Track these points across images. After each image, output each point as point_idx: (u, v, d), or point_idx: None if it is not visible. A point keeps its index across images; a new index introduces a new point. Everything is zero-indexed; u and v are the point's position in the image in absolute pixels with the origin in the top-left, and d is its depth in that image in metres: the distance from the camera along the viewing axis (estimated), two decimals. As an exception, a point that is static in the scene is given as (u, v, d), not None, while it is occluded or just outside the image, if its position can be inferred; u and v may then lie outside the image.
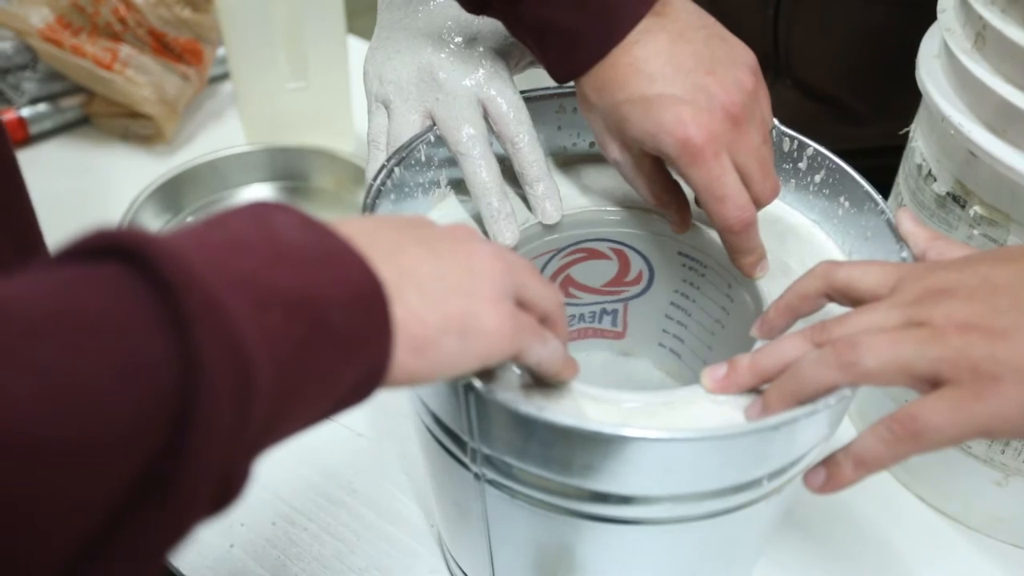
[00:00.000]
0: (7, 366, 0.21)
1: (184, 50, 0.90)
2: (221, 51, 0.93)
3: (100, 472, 0.22)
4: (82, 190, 0.85)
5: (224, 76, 0.96)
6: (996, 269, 0.36)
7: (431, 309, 0.31)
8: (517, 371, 0.40)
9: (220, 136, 0.91)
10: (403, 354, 0.30)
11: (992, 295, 0.35)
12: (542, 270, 0.52)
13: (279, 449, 0.28)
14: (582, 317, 0.55)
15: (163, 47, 0.89)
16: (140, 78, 0.87)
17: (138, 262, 0.24)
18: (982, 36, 0.46)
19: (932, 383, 0.35)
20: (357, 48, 0.94)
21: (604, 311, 0.55)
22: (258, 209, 0.29)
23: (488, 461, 0.40)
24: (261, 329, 0.25)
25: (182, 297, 0.23)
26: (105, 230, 0.25)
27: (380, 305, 0.29)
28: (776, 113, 0.51)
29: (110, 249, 0.24)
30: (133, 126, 0.90)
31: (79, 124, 0.92)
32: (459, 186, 0.51)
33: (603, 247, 0.52)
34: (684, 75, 0.43)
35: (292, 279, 0.27)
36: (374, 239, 0.31)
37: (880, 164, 0.61)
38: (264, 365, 0.25)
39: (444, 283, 0.32)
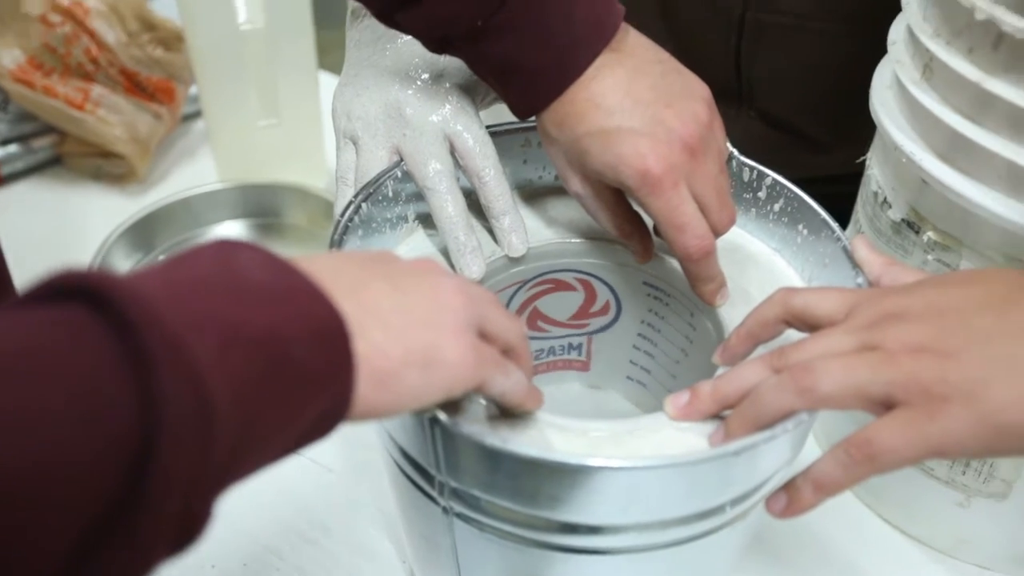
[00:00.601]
0: None
1: (156, 89, 0.90)
2: (194, 89, 0.94)
3: (61, 510, 0.22)
4: (55, 230, 0.85)
5: (197, 114, 0.97)
6: (944, 293, 0.37)
7: (394, 342, 0.31)
8: (483, 403, 0.40)
9: (193, 174, 0.92)
10: (366, 387, 0.30)
11: (940, 318, 0.36)
12: (509, 302, 0.52)
13: (251, 488, 0.28)
14: (551, 350, 0.56)
15: (135, 86, 0.89)
16: (112, 117, 0.87)
17: (101, 303, 0.24)
18: (929, 68, 0.47)
19: (886, 405, 0.36)
20: (328, 84, 0.95)
21: (571, 345, 0.55)
22: (221, 247, 0.29)
23: (456, 494, 0.40)
24: (223, 366, 0.25)
25: (143, 336, 0.24)
26: (68, 272, 0.25)
27: (342, 340, 0.30)
28: (740, 142, 0.52)
29: (74, 290, 0.25)
30: (105, 165, 0.90)
31: (51, 164, 0.92)
32: (427, 220, 0.52)
33: (569, 278, 0.52)
34: (642, 108, 0.44)
35: (254, 316, 0.27)
36: (337, 275, 0.31)
37: (842, 191, 0.62)
38: (226, 403, 0.25)
39: (407, 317, 0.32)
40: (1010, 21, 0.42)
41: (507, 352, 0.37)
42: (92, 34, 0.88)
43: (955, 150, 0.46)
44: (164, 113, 0.91)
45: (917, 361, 0.35)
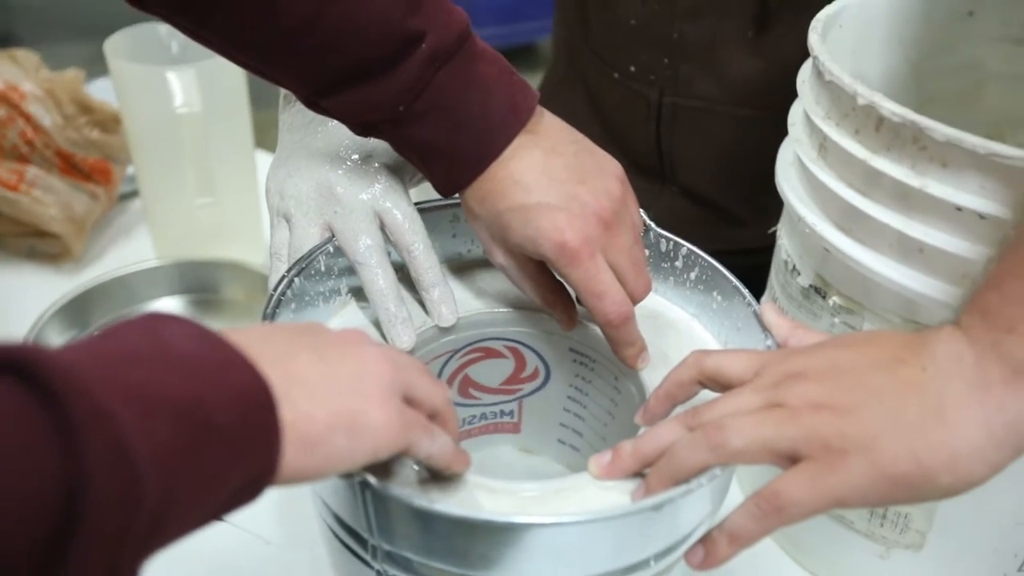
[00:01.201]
0: None
1: (93, 170, 0.91)
2: (131, 170, 0.95)
3: None
4: (-11, 311, 0.85)
5: (134, 193, 0.98)
6: (841, 353, 0.40)
7: (319, 409, 0.33)
8: (415, 467, 0.42)
9: (130, 252, 0.92)
10: (293, 452, 0.32)
11: (838, 376, 0.39)
12: (440, 371, 0.54)
13: (187, 562, 0.29)
14: (483, 416, 0.57)
15: (71, 167, 0.90)
16: (47, 198, 0.88)
17: (27, 374, 0.25)
18: (824, 147, 0.51)
19: (792, 459, 0.38)
20: (265, 163, 0.96)
21: (503, 411, 0.57)
22: (150, 321, 0.31)
23: (389, 557, 0.41)
24: (148, 436, 0.27)
25: (69, 405, 0.25)
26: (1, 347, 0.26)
27: (268, 407, 0.31)
28: (664, 217, 0.55)
29: (2, 364, 0.26)
30: (39, 245, 0.90)
31: (-17, 244, 0.92)
32: (359, 294, 0.53)
33: (498, 346, 0.54)
34: (558, 185, 0.47)
35: (180, 386, 0.29)
36: (265, 346, 0.33)
37: (760, 263, 0.66)
38: (150, 469, 0.26)
39: (333, 385, 0.34)
40: (887, 106, 0.46)
41: (433, 416, 0.39)
42: (28, 118, 0.89)
43: (851, 221, 0.50)
44: (101, 193, 0.92)
45: (817, 417, 0.38)
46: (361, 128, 0.49)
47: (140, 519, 0.26)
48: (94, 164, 0.91)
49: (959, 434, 0.36)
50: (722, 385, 0.43)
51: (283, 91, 0.59)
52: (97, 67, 1.04)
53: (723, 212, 0.81)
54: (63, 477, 0.24)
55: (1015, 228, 0.39)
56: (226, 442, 0.29)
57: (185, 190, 0.82)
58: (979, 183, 0.44)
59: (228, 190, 0.84)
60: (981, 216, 0.44)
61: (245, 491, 0.31)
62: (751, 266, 0.62)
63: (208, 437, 0.29)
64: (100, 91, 0.99)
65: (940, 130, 0.44)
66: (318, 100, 0.48)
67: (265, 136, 0.95)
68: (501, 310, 0.54)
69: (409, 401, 0.37)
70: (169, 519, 0.28)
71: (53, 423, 0.25)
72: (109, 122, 0.93)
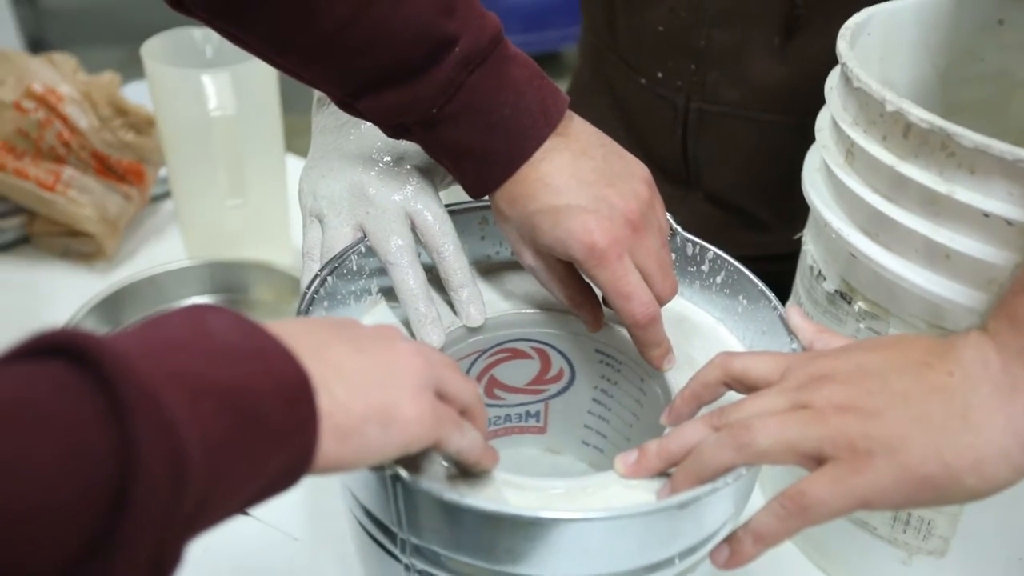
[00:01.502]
0: None
1: (127, 171, 0.93)
2: (163, 171, 0.97)
3: (41, 547, 0.24)
4: (22, 308, 0.87)
5: (166, 195, 1.00)
6: (868, 356, 0.41)
7: (355, 399, 0.34)
8: (444, 464, 0.43)
9: (161, 252, 0.94)
10: (329, 441, 0.33)
11: (864, 379, 0.39)
12: (468, 370, 0.55)
13: (215, 559, 0.30)
14: (508, 417, 0.58)
15: (106, 169, 0.92)
16: (82, 198, 0.89)
17: (80, 359, 0.26)
18: (851, 152, 0.52)
19: (817, 460, 0.38)
20: (296, 166, 0.98)
21: (528, 412, 0.58)
22: (193, 311, 0.32)
23: (417, 551, 0.42)
24: (194, 418, 0.28)
25: (120, 388, 0.26)
26: (50, 331, 0.27)
27: (306, 395, 0.32)
28: (690, 223, 0.56)
29: (56, 348, 0.27)
30: (74, 244, 0.92)
31: (19, 243, 0.94)
32: (389, 294, 0.54)
33: (525, 347, 0.55)
34: (587, 188, 0.47)
35: (224, 372, 0.30)
36: (302, 337, 0.34)
37: (785, 268, 0.66)
38: (197, 451, 0.27)
39: (368, 376, 0.35)
40: (916, 113, 0.46)
41: (464, 413, 0.40)
42: (65, 119, 0.90)
43: (877, 227, 0.50)
44: (134, 194, 0.93)
45: (843, 419, 0.38)
46: (394, 130, 0.50)
47: (187, 498, 0.27)
48: (128, 166, 0.93)
49: (985, 437, 0.37)
50: (748, 386, 0.43)
51: (316, 94, 0.60)
52: (129, 71, 1.06)
53: (748, 217, 0.81)
54: (115, 455, 0.25)
55: (1043, 234, 0.39)
56: (267, 428, 0.30)
57: (216, 191, 0.83)
58: (1007, 189, 0.44)
59: (258, 192, 0.85)
60: (1009, 222, 0.44)
61: (283, 478, 0.32)
62: (777, 272, 0.63)
63: (250, 422, 0.29)
64: (134, 94, 1.01)
65: (968, 136, 0.44)
66: (352, 102, 0.49)
67: (295, 140, 0.96)
68: (528, 311, 0.55)
69: (441, 396, 0.38)
70: (212, 501, 0.29)
71: (105, 404, 0.26)
72: (143, 124, 0.94)
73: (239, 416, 0.29)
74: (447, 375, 0.39)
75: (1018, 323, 0.37)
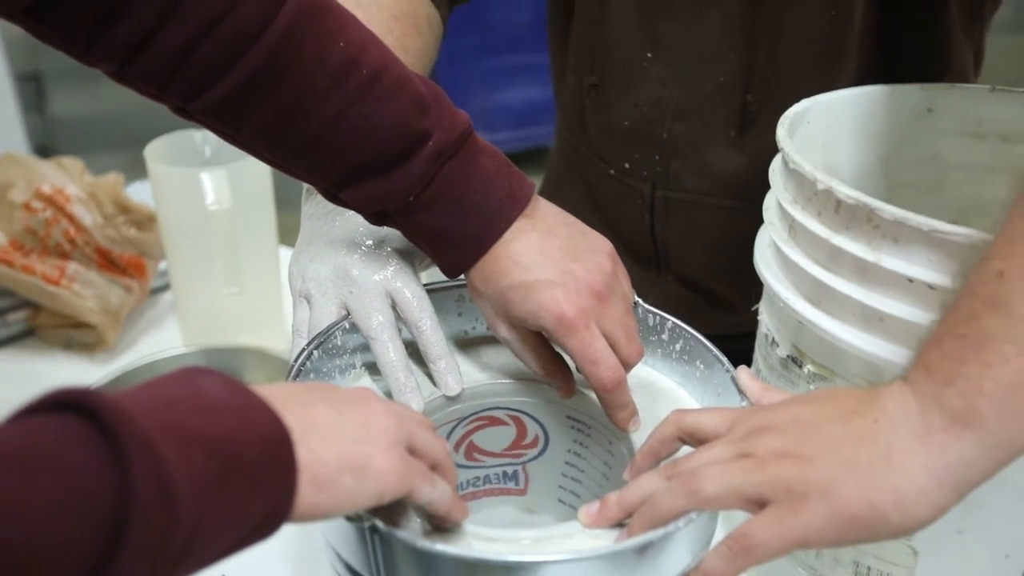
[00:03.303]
0: None
1: (128, 265, 0.98)
2: (163, 265, 1.02)
3: (48, 574, 0.27)
4: (26, 398, 0.90)
5: (164, 287, 1.04)
6: (803, 408, 0.45)
7: (331, 452, 0.38)
8: (418, 520, 0.46)
9: (159, 341, 0.98)
10: (306, 489, 0.36)
11: (800, 429, 0.43)
12: (447, 437, 0.58)
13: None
14: (487, 479, 0.61)
15: (109, 263, 0.97)
16: (86, 291, 0.94)
17: (84, 411, 0.30)
18: (793, 228, 0.57)
19: (759, 504, 0.42)
20: (288, 258, 1.04)
21: (506, 473, 0.61)
22: (185, 372, 0.36)
23: (396, 602, 0.45)
24: (185, 464, 0.31)
25: (119, 436, 0.30)
26: (58, 389, 0.31)
27: (286, 447, 0.36)
28: (661, 304, 0.60)
29: (63, 403, 0.31)
30: (76, 335, 0.96)
31: (23, 336, 0.98)
32: (372, 368, 0.58)
33: (501, 414, 0.59)
34: (554, 263, 0.52)
35: (212, 426, 0.33)
36: (285, 397, 0.38)
37: (751, 346, 0.70)
38: (186, 494, 0.31)
39: (343, 432, 0.39)
40: (843, 190, 0.51)
41: (434, 468, 0.43)
42: (71, 218, 0.96)
43: (819, 295, 0.55)
44: (134, 286, 0.98)
45: (781, 465, 0.42)
46: (375, 217, 0.55)
47: (176, 537, 0.30)
48: (130, 260, 0.98)
49: (906, 477, 0.40)
50: (699, 440, 0.47)
51: (305, 184, 0.65)
52: (132, 173, 1.13)
53: (715, 298, 0.85)
54: (114, 494, 0.29)
55: (956, 293, 0.43)
56: (250, 476, 0.34)
57: (213, 280, 0.88)
58: (926, 257, 0.49)
59: (253, 281, 0.90)
60: (930, 286, 0.49)
61: (264, 524, 0.36)
62: (746, 349, 0.67)
63: (235, 470, 0.33)
64: (137, 193, 1.07)
65: (888, 210, 0.49)
66: (336, 192, 0.54)
67: (288, 236, 1.02)
68: (503, 381, 0.59)
69: (412, 451, 0.42)
70: (198, 543, 0.32)
71: (106, 450, 0.30)
72: (145, 221, 1.00)
73: (224, 464, 0.33)
74: (418, 432, 0.43)
75: (933, 373, 0.42)
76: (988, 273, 0.41)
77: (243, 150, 0.54)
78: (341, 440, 0.38)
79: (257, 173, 0.87)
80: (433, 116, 0.52)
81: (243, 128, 0.52)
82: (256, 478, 0.34)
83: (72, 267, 0.95)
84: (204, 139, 0.92)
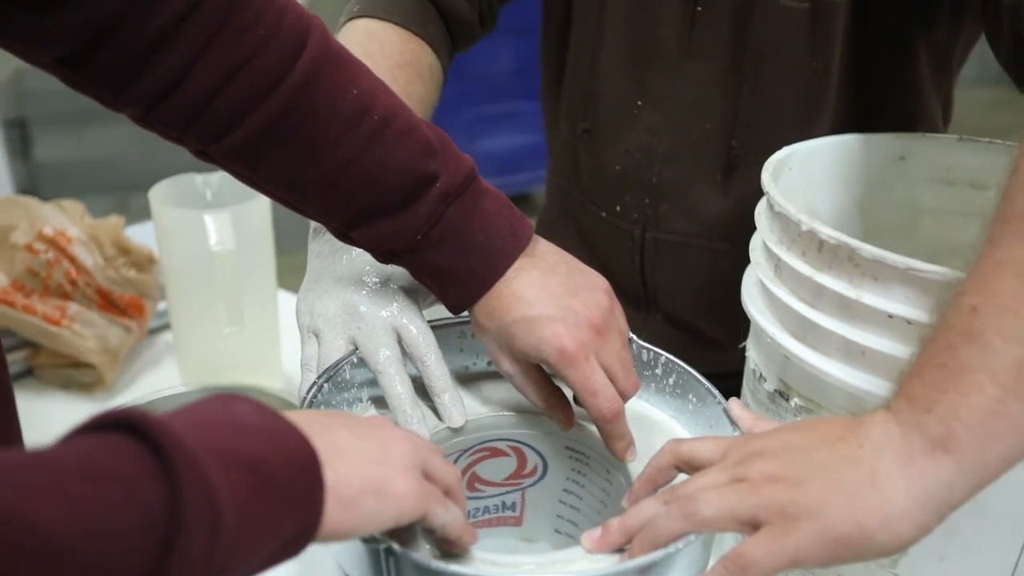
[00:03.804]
0: (54, 498, 0.29)
1: (128, 305, 1.00)
2: (161, 305, 1.04)
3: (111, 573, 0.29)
4: (25, 438, 0.91)
5: (161, 328, 1.06)
6: (792, 435, 0.47)
7: (354, 474, 0.40)
8: (428, 547, 0.48)
9: (156, 381, 1.00)
10: (332, 510, 0.38)
11: (790, 454, 0.46)
12: (451, 468, 0.60)
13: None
14: (487, 509, 0.63)
15: (109, 303, 0.99)
16: (86, 331, 0.96)
17: (135, 430, 0.33)
18: (779, 267, 0.60)
19: (753, 525, 0.44)
20: (285, 300, 1.06)
21: (504, 503, 0.63)
22: (220, 398, 0.38)
23: (407, 624, 0.47)
24: (227, 482, 0.34)
25: (169, 453, 0.32)
26: (108, 410, 0.34)
27: (315, 469, 0.38)
28: (651, 343, 0.62)
29: (114, 423, 0.33)
30: (75, 375, 0.98)
31: (23, 376, 0.99)
32: (379, 402, 0.60)
33: (503, 446, 0.61)
34: (555, 299, 0.55)
35: (248, 446, 0.36)
36: (310, 422, 0.40)
37: (739, 384, 0.73)
38: (228, 508, 0.33)
39: (364, 455, 0.41)
40: (825, 231, 0.55)
41: (446, 493, 0.45)
42: (73, 259, 0.98)
43: (804, 330, 0.58)
44: (134, 326, 1.00)
45: (774, 488, 0.45)
46: (383, 255, 0.58)
47: (219, 549, 0.33)
48: (129, 300, 1.00)
49: (890, 499, 0.43)
50: (695, 467, 0.49)
51: (312, 224, 0.68)
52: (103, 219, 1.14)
53: (703, 337, 0.88)
54: (166, 505, 0.31)
55: (932, 327, 0.47)
56: (283, 495, 0.36)
57: (214, 320, 0.90)
58: (904, 293, 0.52)
59: (253, 320, 0.92)
60: (908, 321, 0.52)
61: (292, 543, 0.38)
62: (731, 387, 0.69)
63: (270, 489, 0.35)
64: (135, 234, 1.09)
65: (868, 249, 0.53)
66: (347, 232, 0.57)
67: (285, 278, 1.04)
68: (505, 414, 0.61)
69: (427, 476, 0.44)
70: (235, 557, 0.34)
71: (157, 465, 0.32)
72: (144, 262, 1.02)
73: (260, 482, 0.35)
74: (432, 458, 0.45)
75: (914, 401, 0.44)
76: (962, 308, 0.44)
77: (258, 191, 0.57)
78: (363, 463, 0.40)
79: (259, 215, 0.89)
80: (439, 160, 0.55)
81: (260, 170, 0.55)
82: (288, 497, 0.36)
83: (73, 307, 0.97)
84: (206, 182, 0.94)
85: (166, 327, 1.05)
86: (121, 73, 0.51)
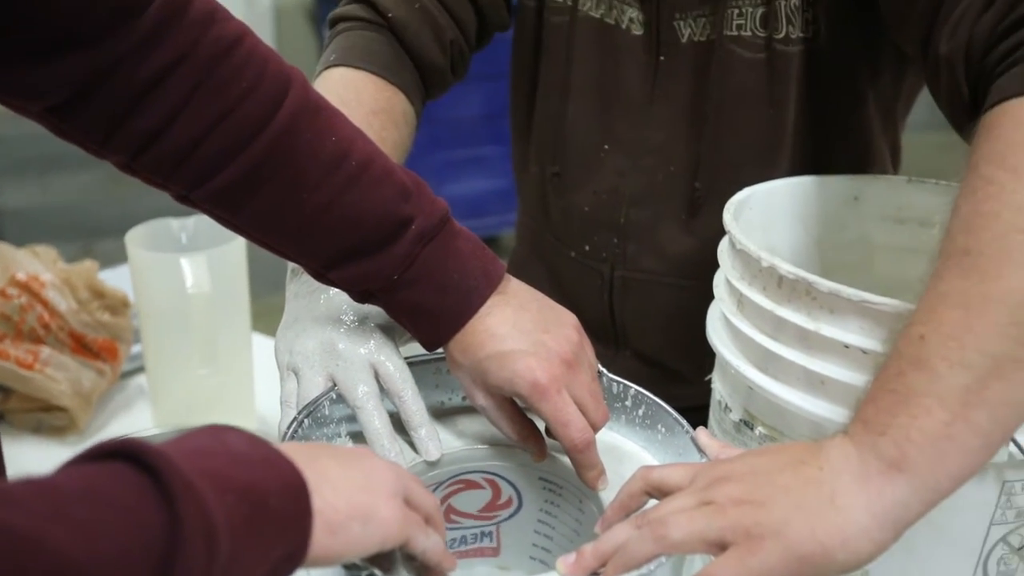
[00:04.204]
0: (61, 522, 0.30)
1: (101, 349, 1.00)
2: (135, 349, 1.04)
3: None
4: (-5, 478, 0.91)
5: (133, 372, 1.07)
6: (757, 460, 0.50)
7: (340, 500, 0.41)
8: (408, 574, 0.49)
9: (128, 424, 1.00)
10: (320, 534, 0.40)
11: (755, 477, 0.48)
12: (428, 500, 0.62)
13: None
14: (463, 540, 0.64)
15: (82, 347, 0.99)
16: (58, 375, 0.96)
17: (133, 458, 0.34)
18: (741, 302, 0.63)
19: (721, 546, 0.46)
20: (259, 342, 1.07)
21: (482, 533, 0.64)
22: (212, 428, 0.40)
23: (388, 652, 0.48)
24: (221, 506, 0.35)
25: (167, 479, 0.34)
26: (107, 441, 0.35)
27: (305, 495, 0.39)
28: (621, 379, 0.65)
29: (113, 452, 0.35)
30: (47, 419, 0.97)
31: (-9, 420, 0.99)
32: (358, 437, 0.62)
33: (477, 478, 0.63)
34: (527, 335, 0.57)
35: (241, 473, 0.37)
36: (298, 452, 0.42)
37: (705, 418, 0.75)
38: (223, 532, 0.35)
39: (350, 483, 0.43)
40: (784, 266, 0.58)
41: (427, 520, 0.47)
42: (46, 304, 0.99)
43: (766, 362, 0.61)
44: (107, 370, 1.00)
45: (740, 510, 0.47)
46: (360, 295, 0.60)
47: (215, 570, 0.34)
48: (103, 344, 1.01)
49: (849, 518, 0.45)
50: (665, 493, 0.51)
51: (290, 265, 0.70)
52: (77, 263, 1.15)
53: (670, 372, 0.91)
54: (165, 528, 0.33)
55: (885, 356, 0.49)
56: (274, 520, 0.38)
57: (189, 361, 0.91)
58: (859, 325, 0.55)
59: (227, 362, 0.93)
60: (864, 351, 0.55)
61: (281, 567, 0.39)
62: (697, 421, 0.71)
63: (262, 514, 0.37)
64: (109, 277, 1.09)
65: (824, 283, 0.56)
66: (325, 272, 0.59)
67: (258, 322, 1.05)
68: (479, 447, 0.63)
69: (408, 503, 0.46)
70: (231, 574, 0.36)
71: (156, 490, 0.33)
72: (118, 306, 1.03)
73: (253, 507, 0.37)
74: (413, 486, 0.47)
75: (869, 425, 0.47)
76: (911, 337, 0.47)
77: (239, 234, 0.59)
78: (349, 490, 0.42)
79: (234, 258, 0.91)
80: (415, 203, 0.58)
81: (241, 214, 0.57)
82: (279, 522, 0.38)
83: (46, 351, 0.97)
84: (181, 227, 0.96)
85: (138, 370, 1.06)
86: (108, 122, 0.53)
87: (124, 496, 0.33)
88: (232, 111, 0.53)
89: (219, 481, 0.36)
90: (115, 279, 1.09)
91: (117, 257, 0.99)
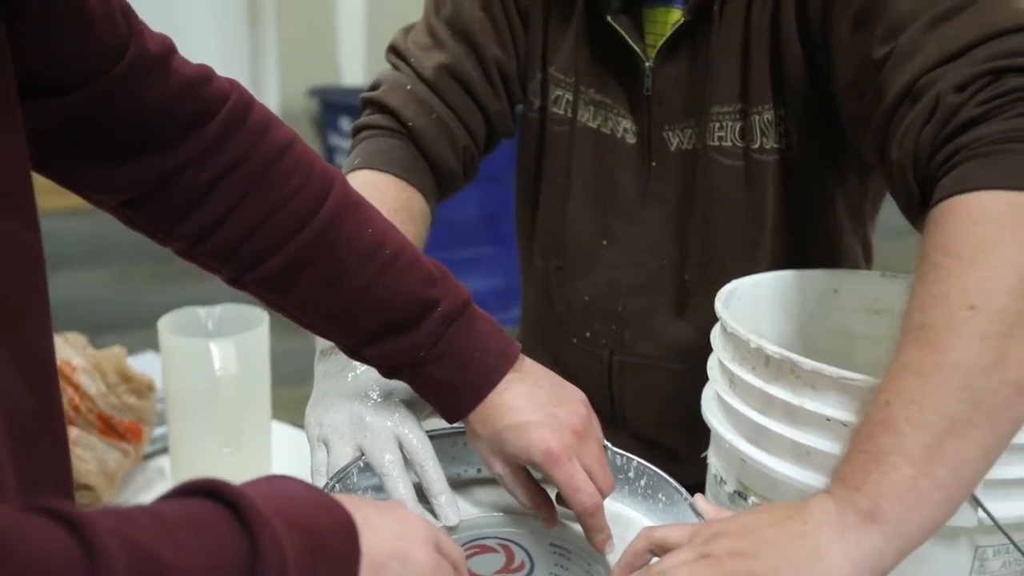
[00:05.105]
0: (169, 540, 0.36)
1: (127, 430, 1.05)
2: (158, 431, 1.10)
3: None
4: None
5: (154, 454, 1.11)
6: (749, 518, 0.56)
7: (382, 543, 0.47)
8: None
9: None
10: (366, 572, 0.45)
11: (747, 533, 0.54)
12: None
13: None
14: (479, 603, 0.69)
15: (109, 428, 1.05)
16: (87, 454, 1.01)
17: (215, 495, 0.40)
18: (733, 382, 0.69)
19: (718, 596, 0.52)
20: (276, 429, 1.12)
21: (497, 596, 0.69)
22: (274, 478, 0.46)
23: None
24: (289, 539, 0.41)
25: (246, 513, 0.39)
26: (194, 480, 0.41)
27: (354, 536, 0.45)
28: None
29: (198, 490, 0.41)
30: (74, 496, 1.02)
31: (19, 498, 1.03)
32: (381, 504, 0.67)
33: (492, 543, 0.68)
34: (541, 408, 0.63)
35: (302, 514, 0.43)
36: (344, 500, 0.47)
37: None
38: (291, 559, 0.40)
39: (389, 529, 0.48)
40: (770, 348, 0.64)
41: (455, 567, 0.52)
42: (77, 387, 1.04)
43: (757, 436, 0.67)
44: (131, 450, 1.05)
45: (734, 561, 0.52)
46: (389, 371, 0.66)
47: None
48: (128, 425, 1.06)
49: (831, 566, 0.51)
50: (666, 550, 0.57)
51: (320, 345, 0.76)
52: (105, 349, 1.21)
53: (667, 451, 0.96)
54: (246, 554, 0.38)
55: (859, 423, 0.56)
56: (329, 556, 0.43)
57: (213, 440, 0.96)
58: (838, 399, 0.62)
59: (249, 441, 0.98)
60: (844, 424, 0.61)
61: None
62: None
63: (320, 550, 0.43)
64: (136, 362, 1.15)
65: (807, 363, 0.62)
66: (359, 350, 0.66)
67: (276, 411, 1.11)
68: (494, 515, 0.68)
69: (439, 551, 0.51)
70: None
71: (237, 523, 0.39)
72: (144, 389, 1.08)
73: (313, 544, 0.42)
74: (443, 536, 0.52)
75: (845, 482, 0.53)
76: (879, 402, 0.53)
77: (284, 315, 0.65)
78: (388, 535, 0.48)
79: (258, 344, 0.97)
80: (440, 287, 0.65)
81: (288, 296, 0.63)
82: (333, 558, 0.43)
83: (75, 432, 1.02)
84: (208, 315, 1.02)
85: (159, 452, 1.11)
86: (172, 216, 0.60)
87: (213, 524, 0.39)
88: (283, 206, 0.61)
89: (286, 518, 0.42)
90: (137, 366, 1.15)
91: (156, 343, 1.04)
